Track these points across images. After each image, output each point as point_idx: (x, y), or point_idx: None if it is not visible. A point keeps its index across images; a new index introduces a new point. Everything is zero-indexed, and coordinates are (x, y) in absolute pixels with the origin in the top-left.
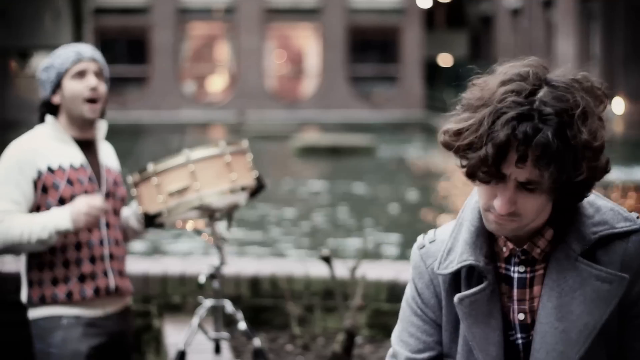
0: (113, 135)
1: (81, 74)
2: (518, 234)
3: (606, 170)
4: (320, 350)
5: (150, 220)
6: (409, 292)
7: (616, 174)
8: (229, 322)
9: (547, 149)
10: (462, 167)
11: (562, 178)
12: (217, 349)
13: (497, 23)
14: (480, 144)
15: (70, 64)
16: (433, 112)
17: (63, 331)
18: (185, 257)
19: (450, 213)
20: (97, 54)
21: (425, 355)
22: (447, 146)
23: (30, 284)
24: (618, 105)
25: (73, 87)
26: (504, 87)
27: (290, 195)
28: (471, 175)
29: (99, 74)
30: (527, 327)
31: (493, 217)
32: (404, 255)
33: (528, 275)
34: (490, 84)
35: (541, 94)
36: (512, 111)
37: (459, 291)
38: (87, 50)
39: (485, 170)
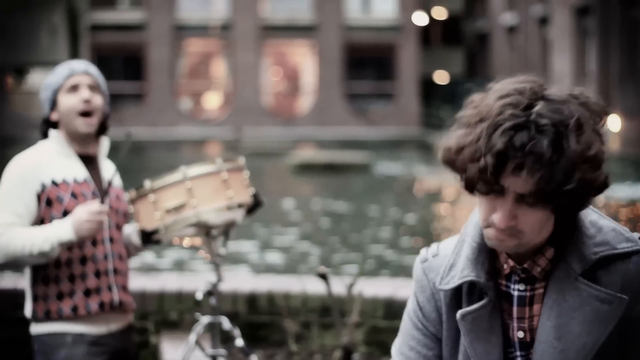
0: (110, 151)
1: (74, 88)
2: (519, 251)
3: (605, 185)
4: None
5: (148, 237)
6: (410, 306)
7: (612, 192)
8: (226, 339)
9: (540, 157)
10: (462, 180)
11: (551, 187)
12: None
13: (493, 40)
14: (479, 155)
15: (63, 79)
16: (429, 129)
17: (67, 349)
18: (182, 274)
19: (450, 233)
20: (91, 68)
21: None
22: (448, 162)
23: (35, 299)
24: (614, 123)
25: (67, 102)
26: (501, 101)
27: (286, 213)
28: (470, 187)
29: (93, 87)
30: (527, 345)
31: (493, 234)
32: (398, 273)
33: (528, 294)
34: (487, 100)
35: (538, 107)
36: (509, 122)
37: (460, 306)
38: (80, 64)
39: (484, 180)
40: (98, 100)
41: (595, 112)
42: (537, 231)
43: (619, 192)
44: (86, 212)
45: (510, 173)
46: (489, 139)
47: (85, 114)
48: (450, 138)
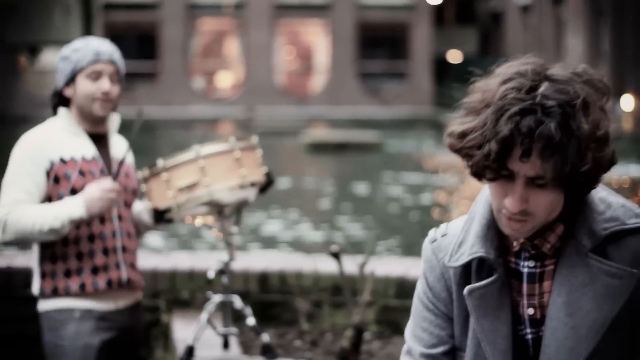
0: (122, 130)
1: (96, 75)
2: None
3: (612, 162)
4: (328, 346)
5: (160, 216)
6: (420, 287)
7: (626, 170)
8: (237, 318)
9: (550, 141)
10: (468, 166)
11: (566, 169)
12: (226, 344)
13: (506, 19)
14: (484, 141)
15: (86, 63)
16: (442, 108)
17: (75, 324)
18: (194, 253)
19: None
20: (116, 54)
21: (440, 349)
22: (453, 148)
23: (43, 276)
24: (628, 102)
25: (86, 87)
26: (504, 86)
27: (296, 192)
28: (477, 173)
29: (113, 76)
30: (537, 322)
31: (506, 220)
32: (408, 253)
33: (538, 270)
34: (491, 85)
35: (542, 88)
36: (515, 107)
37: (469, 284)
38: (107, 50)
39: (490, 167)
40: (116, 90)
41: (599, 89)
42: (549, 212)
43: (634, 171)
44: (98, 190)
45: (518, 158)
46: (494, 125)
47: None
48: (455, 124)
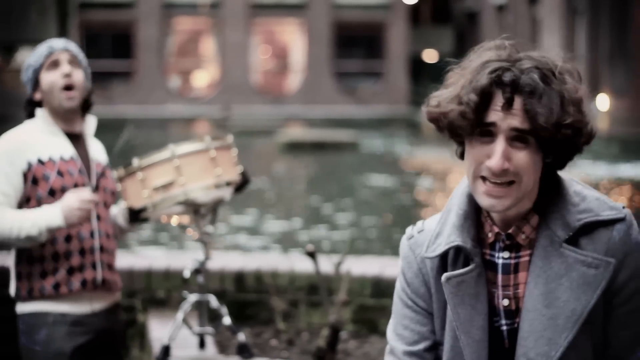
0: (99, 129)
1: (55, 64)
2: (508, 214)
3: (592, 134)
4: (304, 345)
5: (135, 215)
6: (398, 285)
7: (602, 171)
8: (213, 317)
9: (535, 89)
10: (445, 127)
11: (552, 119)
12: (202, 344)
13: (482, 19)
14: (462, 99)
15: (43, 58)
16: (418, 107)
17: (48, 329)
18: (169, 252)
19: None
20: (71, 45)
21: (421, 345)
22: (432, 119)
23: (19, 277)
24: (603, 102)
25: (48, 78)
26: (484, 55)
27: (272, 191)
28: (454, 132)
29: (73, 62)
30: (512, 314)
31: (486, 190)
32: (384, 251)
33: (512, 261)
34: (470, 59)
35: (520, 55)
36: (494, 65)
37: None
38: (59, 42)
39: (467, 119)
40: (79, 75)
41: (572, 74)
42: (531, 175)
43: (611, 171)
44: (77, 200)
45: (500, 109)
46: (473, 82)
47: (67, 87)
48: (433, 96)
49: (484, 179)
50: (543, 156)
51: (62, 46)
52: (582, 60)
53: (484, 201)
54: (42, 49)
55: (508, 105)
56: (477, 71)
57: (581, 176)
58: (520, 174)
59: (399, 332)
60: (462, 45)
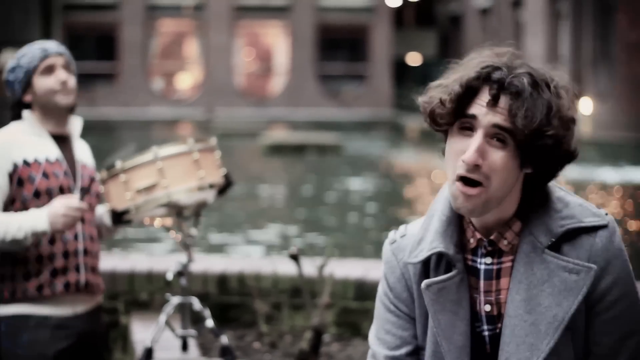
0: (82, 131)
1: (50, 69)
2: (486, 220)
3: (575, 154)
4: (287, 348)
5: (118, 217)
6: (381, 290)
7: (584, 175)
8: (196, 320)
9: (521, 91)
10: (428, 114)
11: (533, 125)
12: (185, 346)
13: (466, 22)
14: (449, 90)
15: (37, 61)
16: (401, 110)
17: (30, 332)
18: (152, 254)
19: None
20: (63, 48)
21: (403, 350)
22: (420, 105)
23: (2, 279)
24: (586, 106)
25: (44, 84)
26: (483, 55)
27: (255, 194)
28: (435, 120)
29: (66, 67)
30: (494, 319)
31: (459, 188)
32: (370, 254)
33: (495, 267)
34: (469, 57)
35: (519, 62)
36: (487, 62)
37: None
38: (53, 45)
39: (448, 107)
40: (73, 81)
41: (568, 90)
42: (503, 180)
43: (594, 175)
44: (63, 207)
45: (485, 104)
46: (463, 75)
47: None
48: (428, 87)
49: (460, 180)
50: (520, 163)
51: (56, 50)
52: (565, 64)
53: (453, 202)
54: (36, 50)
55: (493, 102)
56: (471, 67)
57: (563, 180)
58: (490, 177)
59: (381, 336)
60: (446, 49)
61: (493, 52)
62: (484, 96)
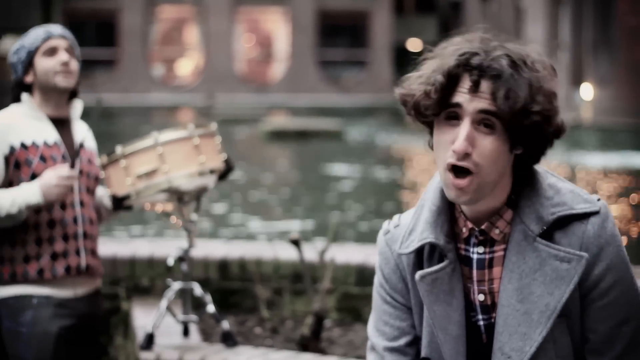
0: (82, 117)
1: (52, 51)
2: (478, 209)
3: (561, 129)
4: (288, 333)
5: (119, 203)
6: (377, 281)
7: (585, 160)
8: (197, 305)
9: (502, 73)
10: (412, 107)
11: (518, 105)
12: (186, 332)
13: (466, 8)
14: (429, 80)
15: (40, 41)
16: None
17: (33, 310)
18: (153, 240)
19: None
20: (67, 32)
21: (402, 341)
22: (400, 98)
23: (2, 261)
24: (587, 91)
25: (45, 64)
26: (456, 42)
27: (256, 178)
28: (420, 112)
29: (69, 51)
30: (488, 309)
31: (451, 177)
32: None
33: (487, 257)
34: (443, 47)
35: (493, 44)
36: (464, 49)
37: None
38: (57, 28)
39: (432, 99)
40: (75, 64)
41: (546, 67)
42: (494, 164)
43: (594, 161)
44: (55, 176)
45: (467, 91)
46: (442, 64)
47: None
48: (404, 78)
49: (451, 170)
50: (511, 146)
51: (59, 32)
52: (565, 50)
53: (447, 192)
54: (39, 32)
55: (475, 88)
56: (447, 55)
57: (562, 166)
58: (480, 165)
59: (380, 328)
60: (447, 35)
61: (464, 39)
62: (466, 83)
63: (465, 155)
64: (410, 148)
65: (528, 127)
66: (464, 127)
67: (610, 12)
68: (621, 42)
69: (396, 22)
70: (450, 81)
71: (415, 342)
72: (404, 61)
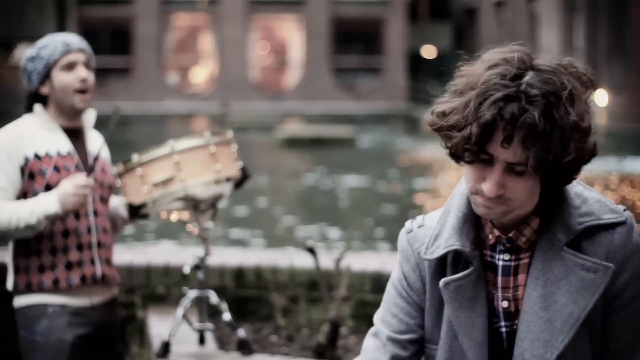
0: (96, 126)
1: (71, 66)
2: (505, 221)
3: (594, 153)
4: (304, 341)
5: (135, 211)
6: (395, 275)
7: (600, 166)
8: (213, 313)
9: (534, 129)
10: (447, 147)
11: (549, 159)
12: (202, 340)
13: (480, 15)
14: (466, 123)
15: (59, 55)
16: (416, 103)
17: (48, 319)
18: (169, 248)
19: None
20: (85, 44)
21: (407, 336)
22: (433, 125)
23: (17, 271)
24: (601, 98)
25: (63, 79)
26: (490, 71)
27: (271, 187)
28: (455, 155)
29: (87, 65)
30: (511, 315)
31: (481, 200)
32: (386, 247)
33: (512, 264)
34: (476, 69)
35: (527, 77)
36: (499, 93)
37: (444, 276)
38: (75, 40)
39: (469, 150)
40: (92, 78)
41: (584, 82)
42: (525, 199)
43: (609, 166)
44: (72, 186)
45: (500, 144)
46: (477, 109)
47: (82, 91)
48: (438, 104)
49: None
50: (542, 178)
51: (78, 46)
52: (580, 56)
53: (477, 209)
54: (57, 44)
55: (507, 141)
56: (482, 95)
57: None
58: (511, 199)
59: (387, 319)
60: (461, 41)
61: (502, 58)
62: (499, 135)
63: (498, 197)
64: (425, 155)
65: (559, 171)
66: (496, 174)
67: (624, 19)
68: (635, 49)
69: (410, 29)
70: (486, 132)
71: (418, 341)
72: (419, 68)
